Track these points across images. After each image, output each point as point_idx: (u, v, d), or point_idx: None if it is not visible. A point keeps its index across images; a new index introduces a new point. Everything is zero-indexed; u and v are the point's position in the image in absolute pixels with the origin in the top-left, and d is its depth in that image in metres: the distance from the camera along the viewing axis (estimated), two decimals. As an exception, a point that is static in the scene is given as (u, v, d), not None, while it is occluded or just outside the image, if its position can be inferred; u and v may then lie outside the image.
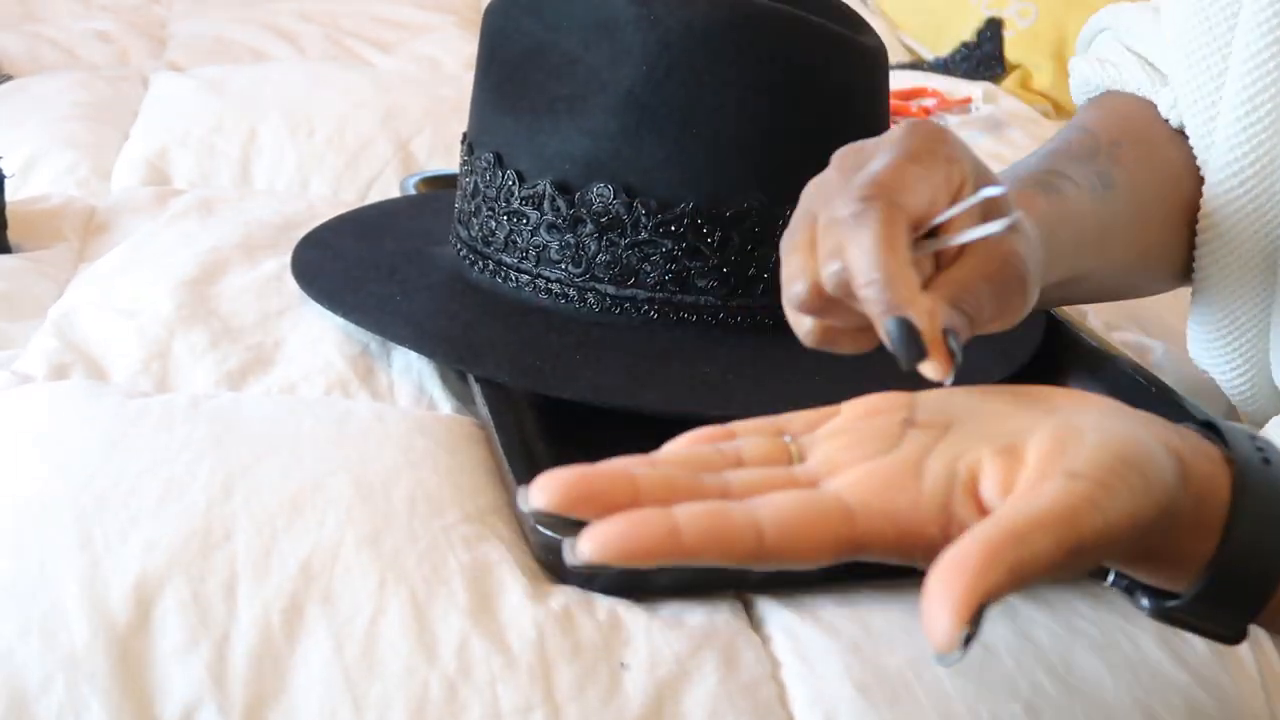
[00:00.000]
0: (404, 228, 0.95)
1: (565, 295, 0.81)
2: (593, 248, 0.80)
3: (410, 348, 0.80)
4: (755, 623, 0.65)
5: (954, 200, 0.57)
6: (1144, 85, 0.80)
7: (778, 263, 0.80)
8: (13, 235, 0.98)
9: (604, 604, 0.63)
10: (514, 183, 0.82)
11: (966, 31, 1.79)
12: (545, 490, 0.46)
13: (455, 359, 0.78)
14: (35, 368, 0.79)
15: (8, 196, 0.99)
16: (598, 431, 0.76)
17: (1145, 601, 0.53)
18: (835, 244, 0.54)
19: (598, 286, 0.80)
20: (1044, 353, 0.86)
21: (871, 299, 0.53)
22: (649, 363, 0.77)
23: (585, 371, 0.76)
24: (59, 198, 1.08)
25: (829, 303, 0.56)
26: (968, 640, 0.42)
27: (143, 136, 1.23)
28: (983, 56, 1.75)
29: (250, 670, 0.59)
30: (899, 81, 1.36)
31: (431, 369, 0.82)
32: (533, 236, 0.81)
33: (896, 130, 0.59)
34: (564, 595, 0.64)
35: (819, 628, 0.64)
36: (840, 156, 0.60)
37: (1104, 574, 0.54)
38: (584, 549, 0.45)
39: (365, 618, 0.61)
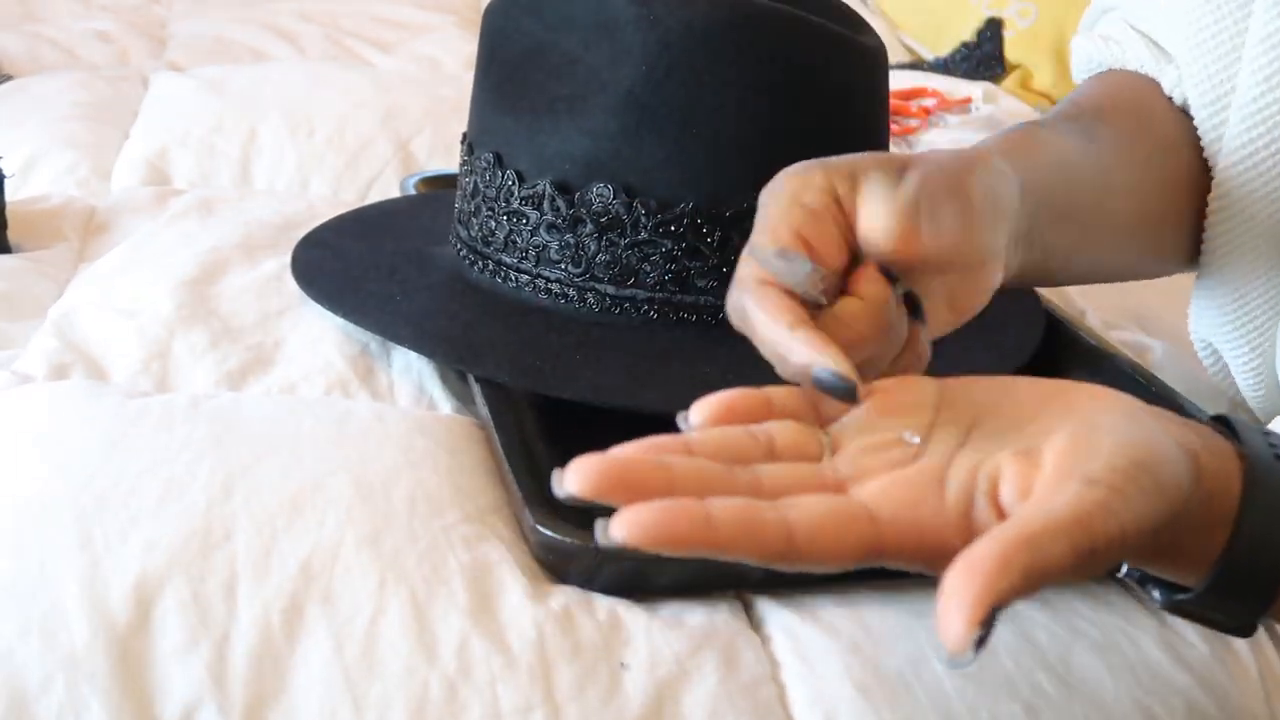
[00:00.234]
0: (404, 228, 0.95)
1: (565, 295, 0.81)
2: (592, 248, 0.80)
3: (410, 348, 0.80)
4: (755, 623, 0.65)
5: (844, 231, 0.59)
6: (1147, 62, 0.80)
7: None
8: (13, 235, 0.98)
9: (604, 604, 0.63)
10: (514, 183, 0.82)
11: (966, 31, 1.80)
12: (579, 475, 0.46)
13: (455, 359, 0.78)
14: (35, 368, 0.79)
15: (8, 196, 0.99)
16: (598, 431, 0.75)
17: (1156, 594, 0.54)
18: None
19: (598, 286, 0.80)
20: (1043, 352, 0.86)
21: (788, 371, 0.54)
22: (649, 363, 0.77)
23: (585, 371, 0.76)
24: (59, 198, 1.08)
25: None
26: (980, 643, 0.42)
27: (143, 136, 1.23)
28: (983, 56, 1.75)
29: (250, 670, 0.59)
30: (899, 81, 1.36)
31: (431, 369, 0.82)
32: (533, 236, 0.81)
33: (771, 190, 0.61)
34: (564, 595, 0.64)
35: (819, 628, 0.64)
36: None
37: (1117, 566, 0.54)
38: (616, 532, 0.45)
39: (365, 618, 0.61)
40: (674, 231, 0.79)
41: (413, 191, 1.10)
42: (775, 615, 0.65)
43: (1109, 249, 0.76)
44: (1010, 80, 1.74)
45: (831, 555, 0.47)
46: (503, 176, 0.82)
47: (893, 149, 0.92)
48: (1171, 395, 0.79)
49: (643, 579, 0.64)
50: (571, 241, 0.80)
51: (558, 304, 0.81)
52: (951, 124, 1.43)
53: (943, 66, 1.75)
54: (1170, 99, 0.79)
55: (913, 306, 0.59)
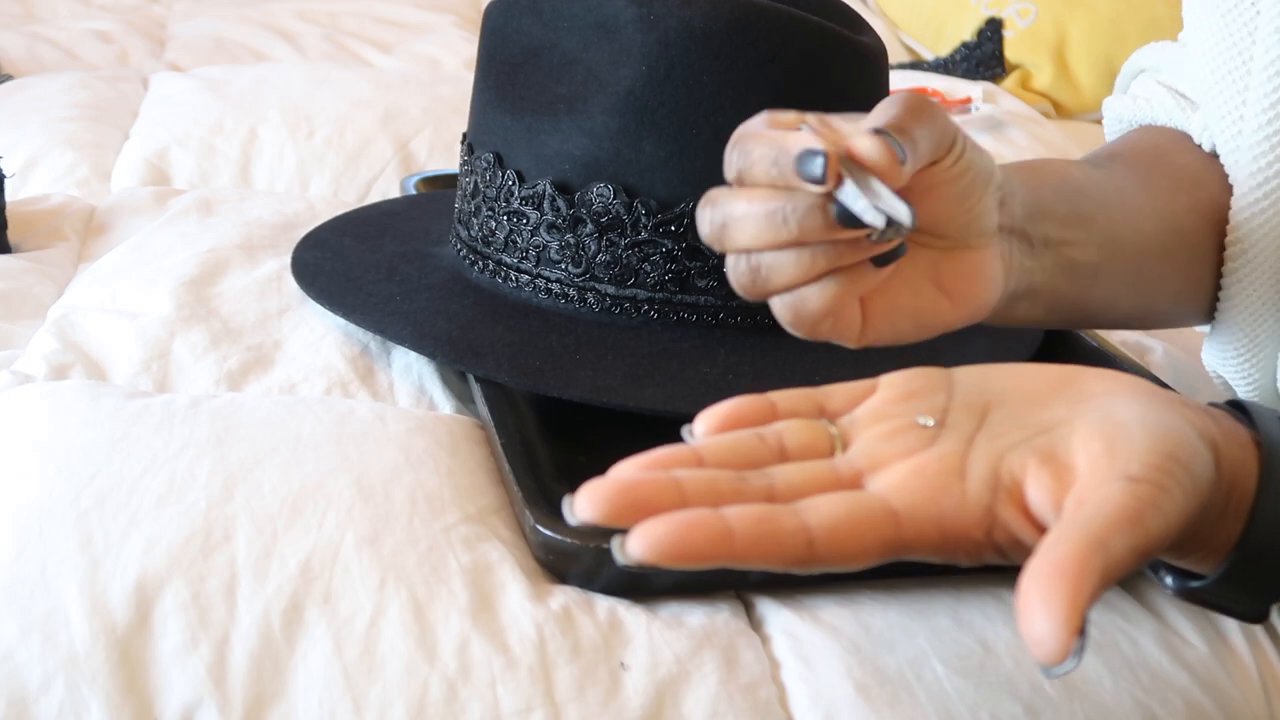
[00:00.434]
0: (404, 228, 0.95)
1: (565, 295, 0.81)
2: (593, 248, 0.80)
3: (410, 348, 0.80)
4: (755, 623, 0.65)
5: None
6: (1174, 114, 0.80)
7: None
8: (13, 235, 0.98)
9: (604, 604, 0.63)
10: (514, 183, 0.82)
11: (966, 31, 1.80)
12: (590, 501, 0.46)
13: (455, 359, 0.78)
14: (35, 368, 0.79)
15: (8, 196, 0.99)
16: (598, 431, 0.76)
17: (1169, 581, 0.54)
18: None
19: (598, 286, 0.80)
20: (1043, 353, 0.86)
21: (776, 170, 0.54)
22: (649, 363, 0.77)
23: (585, 371, 0.76)
24: (59, 198, 1.08)
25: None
26: (1081, 649, 0.42)
27: (143, 136, 1.23)
28: (983, 56, 1.75)
29: (250, 670, 0.59)
30: (899, 81, 1.36)
31: (431, 369, 0.82)
32: (533, 236, 0.81)
33: None
34: (564, 595, 0.64)
35: (819, 628, 0.64)
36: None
37: None
38: (634, 549, 0.44)
39: (365, 618, 0.61)
40: (674, 231, 0.79)
41: (413, 191, 1.10)
42: (775, 615, 0.65)
43: (1135, 275, 0.74)
44: (1010, 80, 1.74)
45: (852, 555, 0.47)
46: (503, 176, 0.82)
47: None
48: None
49: (643, 579, 0.64)
50: (572, 241, 0.80)
51: (558, 304, 0.81)
52: (951, 124, 1.42)
53: (943, 66, 1.75)
54: (1200, 146, 0.79)
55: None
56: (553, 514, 0.65)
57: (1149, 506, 0.46)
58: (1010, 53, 1.76)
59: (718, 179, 0.80)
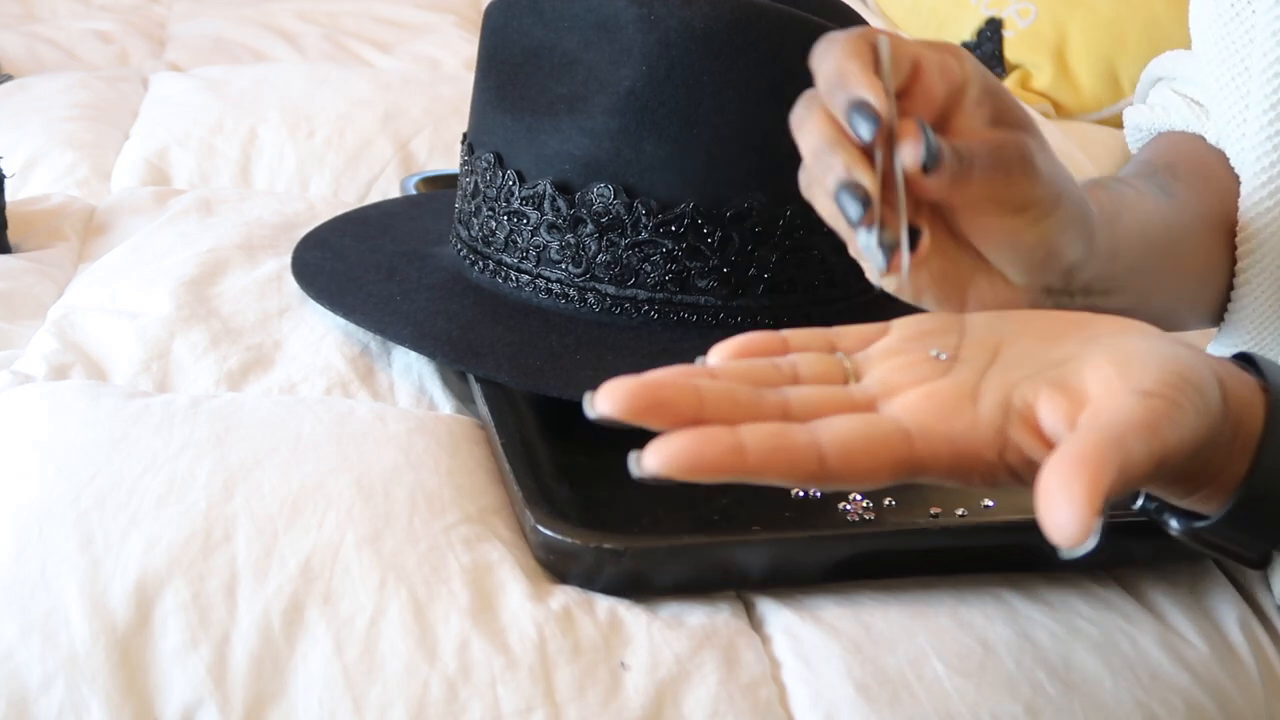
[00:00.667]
0: (404, 228, 0.95)
1: (565, 295, 0.81)
2: (593, 248, 0.80)
3: (410, 348, 0.80)
4: (755, 623, 0.65)
5: (956, 94, 0.56)
6: (1190, 121, 0.80)
7: (778, 263, 0.80)
8: (13, 235, 0.98)
9: (604, 604, 0.63)
10: (514, 183, 0.82)
11: (966, 31, 1.80)
12: (610, 397, 0.46)
13: (455, 359, 0.78)
14: (35, 368, 0.79)
15: (8, 196, 0.99)
16: (598, 432, 0.75)
17: (1174, 523, 0.54)
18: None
19: (598, 286, 0.80)
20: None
21: (835, 99, 0.53)
22: (649, 363, 0.77)
23: (585, 371, 0.76)
24: (59, 198, 1.08)
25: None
26: (1099, 529, 0.42)
27: (143, 136, 1.23)
28: (982, 56, 1.75)
29: (250, 670, 0.59)
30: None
31: (431, 369, 0.82)
32: (533, 236, 0.81)
33: None
34: (564, 595, 0.63)
35: (819, 628, 0.64)
36: None
37: (1133, 499, 0.55)
38: (650, 462, 0.45)
39: (365, 618, 0.61)
40: (674, 231, 0.79)
41: (413, 191, 1.10)
42: (775, 615, 0.65)
43: (1185, 296, 0.75)
44: (1010, 80, 1.74)
45: (866, 473, 0.47)
46: (503, 176, 0.82)
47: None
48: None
49: (643, 579, 0.64)
50: (572, 241, 0.80)
51: (558, 304, 0.81)
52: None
53: (943, 66, 1.75)
54: (1219, 150, 0.79)
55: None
56: (553, 514, 0.65)
57: (1163, 418, 0.46)
58: (1010, 53, 1.75)
59: (718, 179, 0.80)
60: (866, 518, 0.69)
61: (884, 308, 0.61)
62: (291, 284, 0.87)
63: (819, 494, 0.70)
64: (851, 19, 0.85)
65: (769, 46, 0.78)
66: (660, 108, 0.78)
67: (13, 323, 0.86)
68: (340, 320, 0.84)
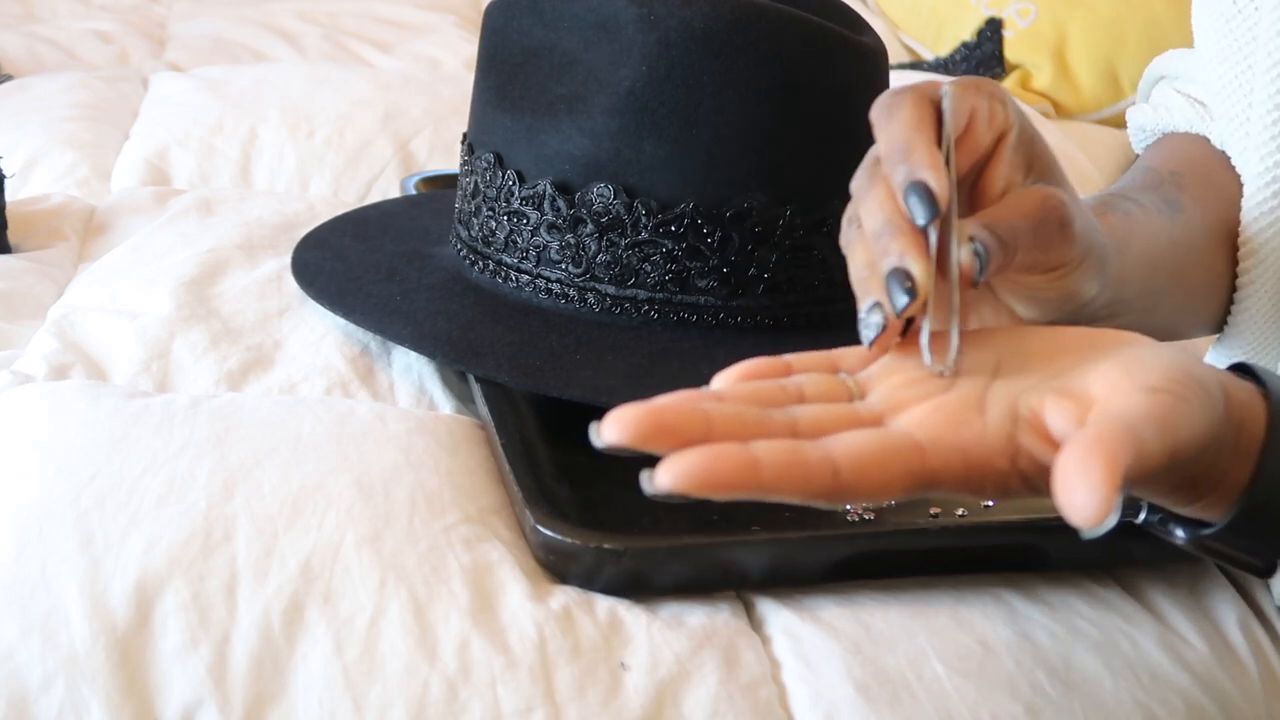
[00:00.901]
0: (404, 228, 0.95)
1: (565, 295, 0.81)
2: (593, 248, 0.80)
3: (410, 348, 0.80)
4: (755, 623, 0.65)
5: (997, 140, 0.57)
6: (1194, 122, 0.80)
7: (778, 263, 0.80)
8: (13, 235, 0.98)
9: (604, 604, 0.63)
10: (514, 183, 0.82)
11: (966, 31, 1.80)
12: (618, 424, 0.46)
13: (455, 359, 0.78)
14: (35, 368, 0.79)
15: (8, 196, 0.99)
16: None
17: (1180, 532, 0.54)
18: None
19: (598, 286, 0.80)
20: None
21: (895, 171, 0.53)
22: (649, 363, 0.77)
23: (585, 371, 0.76)
24: (59, 198, 1.08)
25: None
26: (1118, 507, 0.42)
27: (143, 136, 1.23)
28: (983, 56, 1.75)
29: (250, 670, 0.59)
30: (899, 81, 1.35)
31: (431, 369, 0.82)
32: (533, 236, 0.81)
33: None
34: (564, 595, 0.63)
35: (819, 628, 0.64)
36: None
37: (1136, 511, 0.55)
38: (662, 479, 0.44)
39: (365, 618, 0.61)
40: (674, 231, 0.79)
41: (413, 191, 1.10)
42: (775, 615, 0.65)
43: (1189, 309, 0.76)
44: (1010, 80, 1.74)
45: (880, 487, 0.47)
46: (503, 176, 0.82)
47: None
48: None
49: (643, 579, 0.64)
50: (572, 241, 0.80)
51: (558, 304, 0.81)
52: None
53: (943, 66, 1.75)
54: (1222, 153, 0.79)
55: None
56: (553, 514, 0.65)
57: (1173, 411, 0.47)
58: (1010, 53, 1.76)
59: (718, 179, 0.80)
60: (866, 518, 0.69)
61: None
62: (291, 284, 0.87)
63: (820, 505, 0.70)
64: (852, 19, 0.85)
65: (769, 46, 0.78)
66: (660, 108, 0.78)
67: (13, 323, 0.86)
68: (340, 320, 0.84)
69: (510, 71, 0.83)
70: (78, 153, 1.18)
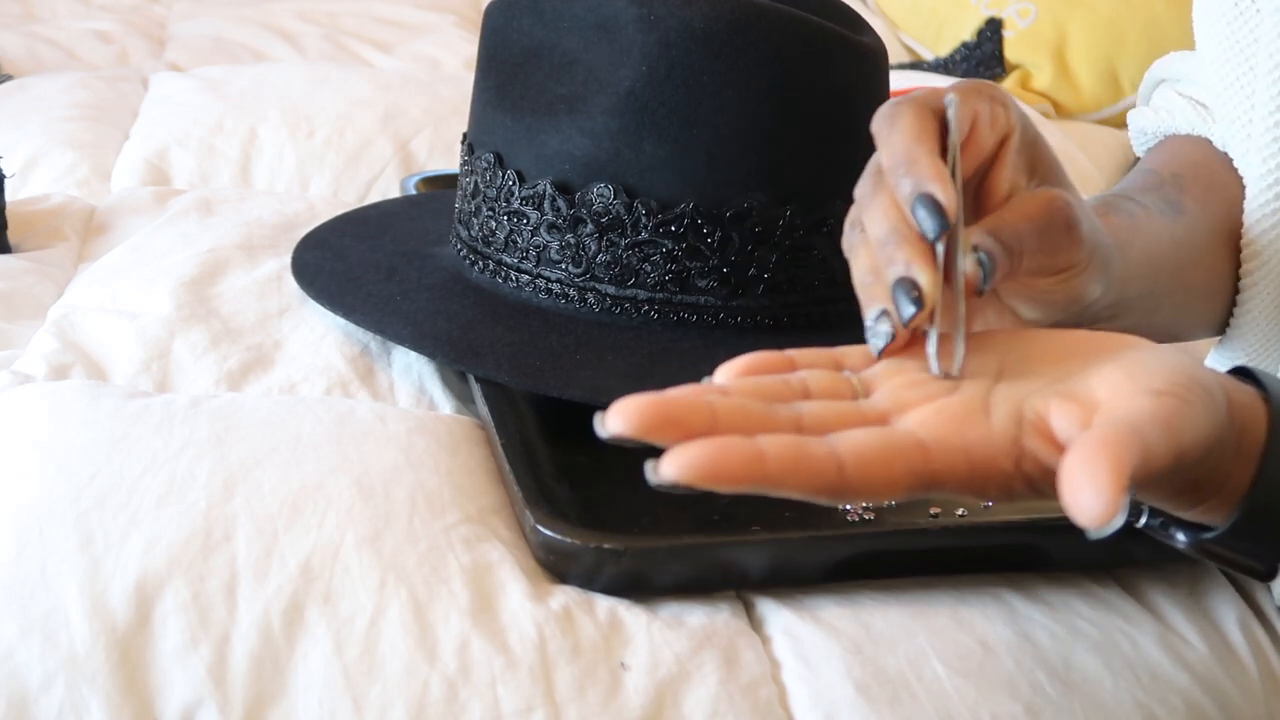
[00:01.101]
0: (404, 228, 0.95)
1: (565, 295, 0.81)
2: (593, 248, 0.80)
3: (410, 348, 0.80)
4: (756, 623, 0.65)
5: (1000, 144, 0.57)
6: (1196, 123, 0.80)
7: (778, 263, 0.80)
8: (13, 235, 0.98)
9: (604, 604, 0.63)
10: (514, 183, 0.82)
11: (966, 31, 1.80)
12: (623, 415, 0.46)
13: (455, 359, 0.78)
14: (35, 368, 0.79)
15: (8, 196, 0.99)
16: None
17: (1181, 536, 0.54)
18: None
19: (598, 286, 0.80)
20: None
21: (900, 184, 0.53)
22: (649, 363, 0.77)
23: (585, 371, 0.76)
24: (59, 198, 1.08)
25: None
26: (1125, 507, 0.42)
27: (143, 136, 1.23)
28: (982, 56, 1.75)
29: (250, 670, 0.59)
30: (899, 81, 1.35)
31: (431, 369, 0.82)
32: (533, 236, 0.81)
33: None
34: (564, 595, 0.63)
35: (819, 628, 0.64)
36: None
37: (1138, 515, 0.55)
38: (667, 470, 0.44)
39: (365, 618, 0.61)
40: (674, 231, 0.79)
41: (413, 191, 1.10)
42: (775, 615, 0.65)
43: (1192, 310, 0.76)
44: (1010, 80, 1.74)
45: (883, 485, 0.46)
46: (503, 176, 0.82)
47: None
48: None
49: (643, 579, 0.64)
50: (572, 241, 0.80)
51: (558, 304, 0.81)
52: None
53: (943, 66, 1.75)
54: (1225, 154, 0.79)
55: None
56: (553, 514, 0.65)
57: (1177, 414, 0.47)
58: (1010, 53, 1.76)
59: (718, 179, 0.80)
60: (866, 518, 0.69)
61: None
62: (291, 284, 0.87)
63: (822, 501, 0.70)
64: (852, 19, 0.85)
65: (769, 46, 0.78)
66: (660, 108, 0.78)
67: (13, 323, 0.86)
68: (340, 320, 0.84)
69: (510, 71, 0.83)
70: (78, 153, 1.18)
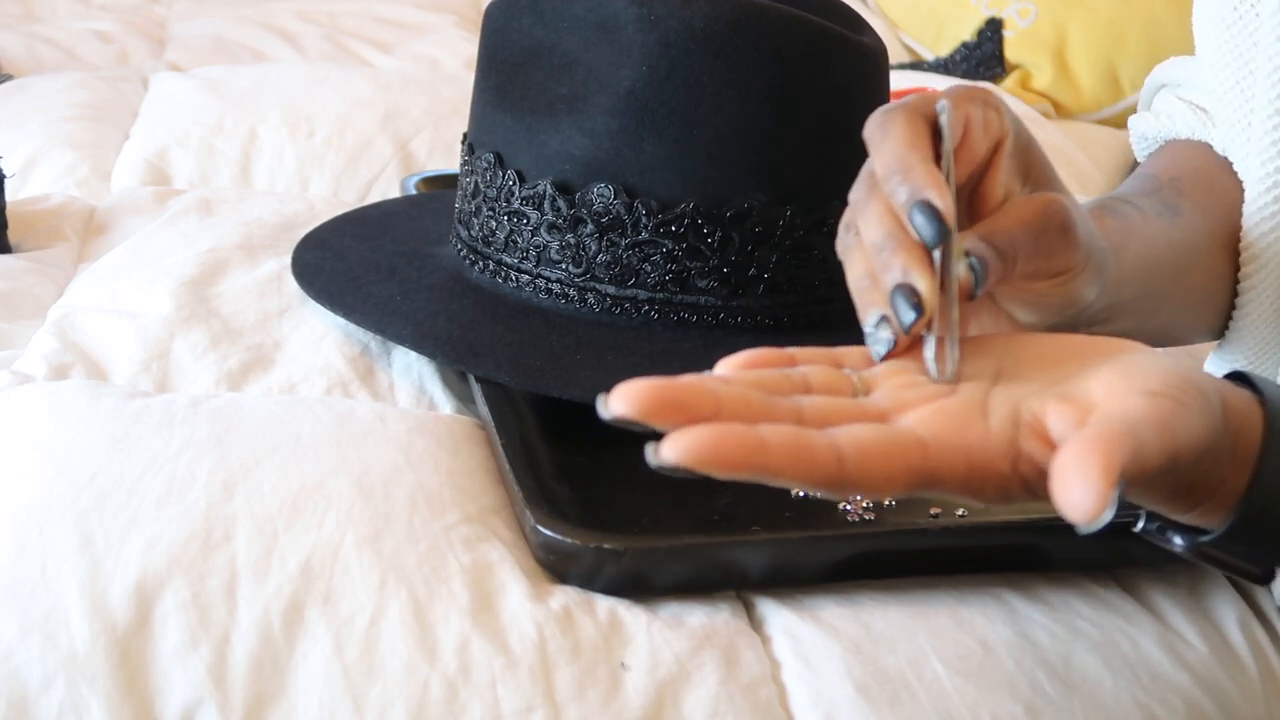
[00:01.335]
0: (404, 228, 0.95)
1: (565, 295, 0.81)
2: (593, 248, 0.80)
3: (410, 348, 0.80)
4: (756, 623, 0.65)
5: (994, 148, 0.57)
6: (1196, 128, 0.80)
7: (778, 263, 0.80)
8: (13, 235, 0.98)
9: (604, 604, 0.63)
10: (514, 183, 0.82)
11: (966, 31, 1.80)
12: (626, 398, 0.46)
13: (455, 359, 0.78)
14: (35, 368, 0.79)
15: (8, 196, 0.99)
16: (598, 432, 0.75)
17: (1178, 540, 0.54)
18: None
19: (598, 287, 0.80)
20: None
21: (896, 191, 0.53)
22: (649, 363, 0.77)
23: (585, 371, 0.76)
24: (59, 198, 1.08)
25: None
26: (1114, 502, 0.43)
27: (143, 136, 1.23)
28: (983, 56, 1.75)
29: (250, 670, 0.59)
30: (899, 81, 1.36)
31: (431, 369, 0.82)
32: (533, 237, 0.81)
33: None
34: (564, 595, 0.64)
35: (819, 628, 0.64)
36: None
37: (1135, 518, 0.55)
38: (668, 453, 0.44)
39: (365, 618, 0.61)
40: (674, 232, 0.79)
41: (413, 191, 1.10)
42: (775, 615, 0.65)
43: (1191, 313, 0.76)
44: (1010, 80, 1.74)
45: (882, 480, 0.47)
46: (503, 177, 0.82)
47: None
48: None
49: (643, 579, 0.64)
50: (572, 242, 0.80)
51: (558, 304, 0.81)
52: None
53: (943, 67, 1.75)
54: (1225, 158, 0.79)
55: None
56: (553, 514, 0.65)
57: (1172, 415, 0.47)
58: (1010, 53, 1.76)
59: (718, 179, 0.80)
60: (866, 518, 0.69)
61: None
62: (291, 284, 0.87)
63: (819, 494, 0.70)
64: (852, 19, 0.85)
65: (769, 46, 0.78)
66: (660, 108, 0.78)
67: (13, 323, 0.86)
68: (340, 320, 0.84)
69: (510, 71, 0.83)
70: (78, 153, 1.18)
